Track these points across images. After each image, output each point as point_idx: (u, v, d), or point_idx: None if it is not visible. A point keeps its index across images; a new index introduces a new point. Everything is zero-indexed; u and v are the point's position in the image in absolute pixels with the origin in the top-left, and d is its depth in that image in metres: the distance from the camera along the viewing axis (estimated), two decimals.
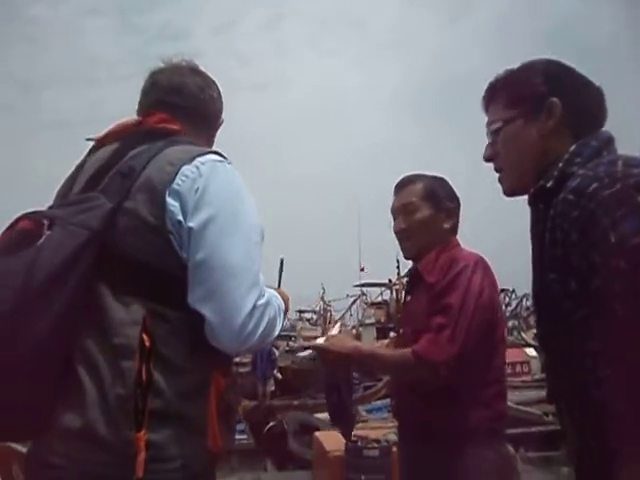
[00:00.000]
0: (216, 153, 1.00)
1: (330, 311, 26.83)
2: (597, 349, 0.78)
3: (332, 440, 3.66)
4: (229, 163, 1.00)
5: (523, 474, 3.86)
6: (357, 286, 22.79)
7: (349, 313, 28.93)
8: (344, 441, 3.31)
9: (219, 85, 1.18)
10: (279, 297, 1.05)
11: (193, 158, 0.95)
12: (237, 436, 5.64)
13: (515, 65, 1.00)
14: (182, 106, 1.09)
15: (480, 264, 1.42)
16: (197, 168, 0.93)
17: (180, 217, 0.90)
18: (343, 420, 1.73)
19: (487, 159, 1.01)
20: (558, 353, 0.87)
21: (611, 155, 0.86)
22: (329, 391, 1.65)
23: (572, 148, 0.89)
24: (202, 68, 1.16)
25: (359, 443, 3.28)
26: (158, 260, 0.90)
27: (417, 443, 1.44)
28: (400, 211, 1.55)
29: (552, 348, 0.90)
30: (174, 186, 0.91)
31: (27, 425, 0.92)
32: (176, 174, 0.92)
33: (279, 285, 1.25)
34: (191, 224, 0.90)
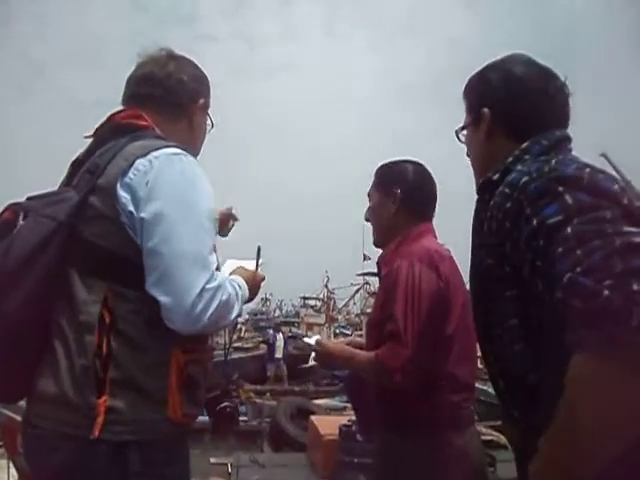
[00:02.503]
0: (175, 147, 1.04)
1: (334, 299, 26.98)
2: (514, 325, 0.86)
3: (327, 424, 3.78)
4: (185, 156, 1.03)
5: (514, 463, 3.91)
6: (360, 275, 22.82)
7: (352, 302, 29.08)
8: (338, 425, 3.38)
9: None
10: (242, 283, 1.11)
11: (148, 152, 1.01)
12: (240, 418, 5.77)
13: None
14: (152, 95, 1.14)
15: (424, 259, 1.38)
16: (150, 162, 1.00)
17: (131, 208, 0.98)
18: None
19: (468, 155, 1.10)
20: (488, 331, 0.94)
21: (560, 154, 0.91)
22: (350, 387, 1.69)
23: (523, 145, 0.94)
24: (183, 53, 1.18)
25: (353, 427, 3.33)
26: (117, 247, 0.99)
27: (386, 430, 1.48)
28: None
29: (483, 327, 0.97)
30: (126, 179, 0.99)
31: (10, 387, 1.06)
32: (129, 168, 0.99)
33: (257, 269, 1.28)
34: (143, 214, 0.97)
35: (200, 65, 1.23)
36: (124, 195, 0.98)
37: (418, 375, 1.34)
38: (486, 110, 1.00)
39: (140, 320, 0.99)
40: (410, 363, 1.32)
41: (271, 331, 14.25)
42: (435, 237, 1.54)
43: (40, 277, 0.98)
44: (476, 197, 1.02)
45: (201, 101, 1.19)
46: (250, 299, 1.18)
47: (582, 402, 0.68)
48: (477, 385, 5.55)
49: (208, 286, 0.98)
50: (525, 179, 0.84)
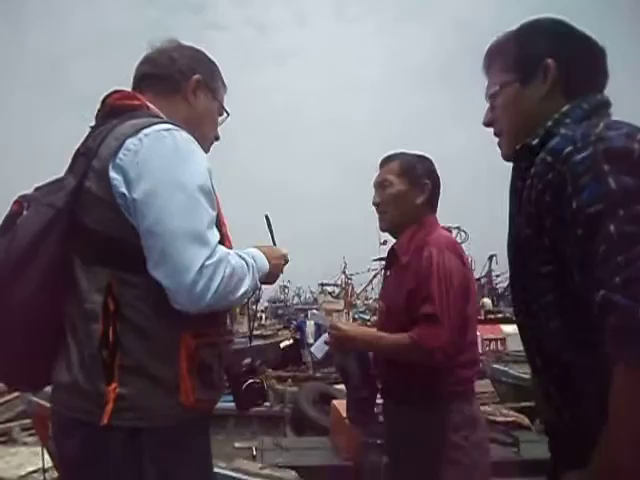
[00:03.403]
0: (167, 122, 1.03)
1: (352, 284, 26.97)
2: (551, 302, 0.83)
3: None
4: (177, 130, 1.01)
5: (538, 444, 3.91)
6: (376, 260, 22.74)
7: (370, 286, 29.02)
8: None
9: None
10: (256, 255, 1.09)
11: (138, 131, 0.99)
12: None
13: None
14: (146, 74, 1.15)
15: (449, 247, 1.55)
16: (140, 140, 0.98)
17: (123, 189, 0.96)
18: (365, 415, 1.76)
19: (486, 124, 1.01)
20: (525, 307, 0.90)
21: (600, 119, 0.84)
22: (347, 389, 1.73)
23: (564, 109, 0.88)
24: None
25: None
26: (115, 231, 0.98)
27: (391, 402, 1.64)
28: (377, 186, 1.69)
29: (521, 303, 0.93)
30: (117, 160, 0.98)
31: (31, 376, 1.10)
32: (119, 148, 0.98)
33: (273, 242, 1.27)
34: (135, 195, 0.95)
35: (210, 53, 1.23)
36: (116, 177, 0.97)
37: (454, 354, 1.48)
38: (551, 61, 0.90)
39: (145, 306, 0.98)
40: (448, 343, 1.45)
41: (302, 317, 14.29)
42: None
43: (45, 266, 0.98)
44: (512, 165, 0.96)
45: (195, 76, 1.15)
46: (273, 275, 1.16)
47: (628, 415, 0.67)
48: (497, 366, 5.54)
49: (208, 262, 0.95)
50: (569, 149, 0.78)
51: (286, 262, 1.24)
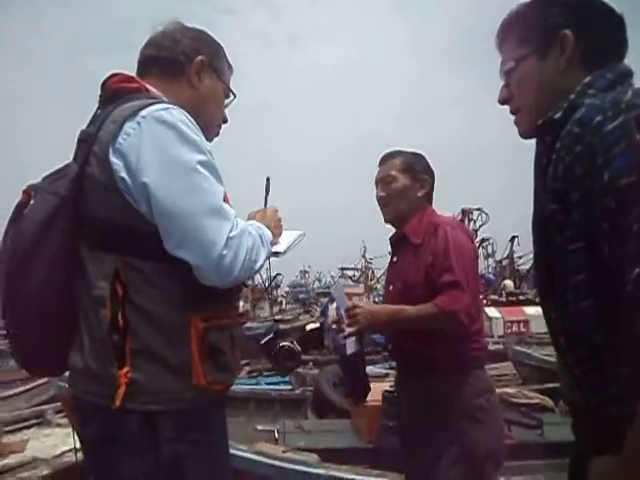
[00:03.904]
0: (164, 102, 1.02)
1: (372, 268, 26.95)
2: (581, 281, 0.79)
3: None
4: (174, 109, 1.00)
5: (562, 426, 3.87)
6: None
7: None
8: (381, 391, 3.40)
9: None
10: (261, 226, 1.10)
11: (135, 113, 0.98)
12: (281, 386, 5.95)
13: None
14: (149, 56, 1.14)
15: (459, 226, 1.83)
16: (138, 124, 0.97)
17: (124, 174, 0.96)
18: (362, 390, 1.84)
19: (502, 102, 0.97)
20: (551, 286, 0.87)
21: (625, 87, 0.81)
22: (352, 363, 1.77)
23: (586, 80, 0.85)
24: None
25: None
26: (120, 216, 0.98)
27: (411, 376, 1.74)
28: (381, 182, 1.85)
29: (546, 281, 0.89)
30: (117, 145, 0.97)
31: (49, 362, 1.11)
32: (118, 131, 0.97)
33: (265, 204, 1.27)
34: (145, 179, 0.95)
35: (222, 38, 1.21)
36: (116, 162, 0.97)
37: (475, 318, 1.64)
38: (568, 32, 0.87)
39: (154, 290, 0.98)
40: (471, 307, 1.61)
41: (326, 301, 14.36)
42: None
43: (53, 254, 0.99)
44: (535, 140, 0.92)
45: (199, 58, 1.13)
46: (276, 237, 1.17)
47: None
48: (520, 348, 5.49)
49: (232, 234, 0.97)
50: (599, 118, 0.74)
51: (278, 211, 1.25)
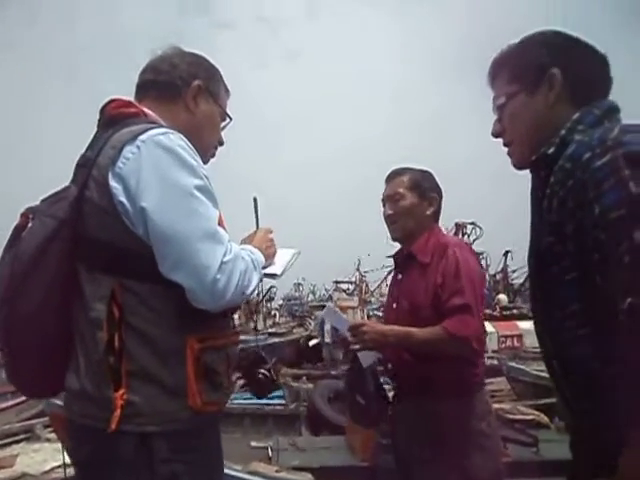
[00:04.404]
0: (163, 127, 1.04)
1: (366, 282, 26.95)
2: (577, 311, 0.83)
3: None
4: (173, 134, 1.02)
5: (558, 444, 3.86)
6: (390, 257, 22.71)
7: (385, 284, 28.96)
8: None
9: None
10: (254, 250, 1.11)
11: (134, 138, 1.00)
12: (274, 401, 5.90)
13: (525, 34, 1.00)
14: (147, 80, 1.16)
15: (466, 247, 1.80)
16: (138, 148, 0.99)
17: (123, 198, 0.98)
18: (379, 407, 1.78)
19: (495, 135, 1.03)
20: (547, 314, 0.90)
21: (612, 124, 0.85)
22: (352, 390, 1.78)
23: (575, 116, 0.89)
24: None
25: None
26: (117, 239, 0.99)
27: (412, 397, 1.69)
28: (388, 199, 1.82)
29: (542, 309, 0.93)
30: (116, 169, 0.99)
31: (44, 384, 1.11)
32: (118, 156, 0.99)
33: (257, 225, 1.29)
34: (143, 204, 0.96)
35: (220, 53, 1.25)
36: (115, 185, 0.98)
37: (484, 342, 1.66)
38: (556, 71, 0.93)
39: (150, 312, 0.99)
40: (479, 331, 1.61)
41: (321, 314, 14.32)
42: None
43: (51, 276, 1.00)
44: (530, 175, 0.97)
45: (196, 82, 1.15)
46: (269, 260, 1.18)
47: None
48: (514, 364, 5.47)
49: (225, 259, 0.98)
50: (588, 155, 0.78)
51: (271, 232, 1.26)
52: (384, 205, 1.85)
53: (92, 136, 1.12)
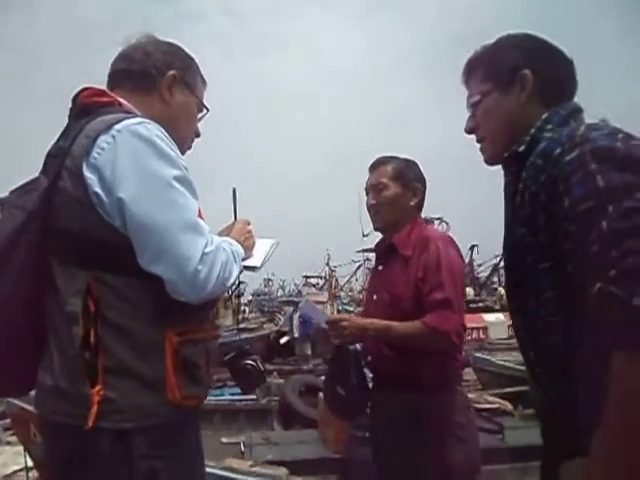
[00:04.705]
0: (139, 117, 1.02)
1: (335, 276, 27.07)
2: (550, 298, 0.87)
3: None
4: (149, 123, 1.00)
5: (522, 430, 4.00)
6: (359, 252, 22.99)
7: (354, 278, 29.21)
8: None
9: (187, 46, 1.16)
10: (232, 242, 1.11)
11: (109, 127, 0.97)
12: (245, 397, 5.87)
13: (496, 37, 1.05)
14: (120, 69, 1.13)
15: (450, 241, 1.72)
16: (113, 137, 0.97)
17: (98, 189, 0.95)
18: (354, 408, 1.79)
19: (468, 131, 1.07)
20: (521, 303, 0.94)
21: (577, 123, 0.91)
22: (333, 381, 1.75)
23: (544, 116, 0.95)
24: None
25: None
26: (93, 230, 0.96)
27: (393, 391, 1.67)
28: (372, 189, 1.79)
29: (516, 298, 0.97)
30: (91, 159, 0.96)
31: (15, 381, 1.08)
32: (92, 146, 0.97)
33: (235, 216, 1.28)
34: (120, 194, 0.94)
35: (186, 45, 1.20)
36: (90, 176, 0.96)
37: (463, 336, 1.64)
38: (527, 72, 0.97)
39: (127, 306, 0.97)
40: (459, 325, 1.60)
41: (290, 310, 14.29)
42: None
43: (19, 270, 0.97)
44: (502, 171, 1.01)
45: (171, 72, 1.13)
46: (248, 252, 1.18)
47: (626, 402, 0.69)
48: (480, 354, 5.62)
49: (207, 250, 0.97)
50: (558, 151, 0.82)
51: (249, 224, 1.26)
52: (367, 194, 1.82)
53: (65, 125, 1.08)
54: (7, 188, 1.04)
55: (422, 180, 1.81)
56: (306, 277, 28.08)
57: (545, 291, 0.87)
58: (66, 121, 1.10)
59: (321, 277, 27.56)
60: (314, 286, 25.47)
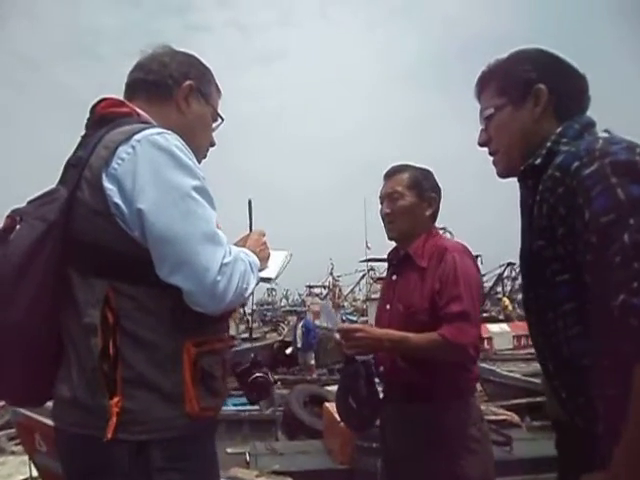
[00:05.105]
0: (158, 127, 1.02)
1: (339, 286, 27.04)
2: (569, 310, 0.87)
3: None
4: (169, 134, 1.00)
5: (530, 442, 3.96)
6: (363, 261, 22.98)
7: (358, 288, 29.15)
8: None
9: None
10: (249, 253, 1.10)
11: (129, 138, 0.98)
12: (249, 407, 5.84)
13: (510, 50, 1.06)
14: (137, 79, 1.14)
15: (466, 252, 1.69)
16: (133, 148, 0.97)
17: (118, 200, 0.95)
18: (365, 420, 1.75)
19: (481, 144, 1.08)
20: (540, 315, 0.94)
21: (592, 136, 0.92)
22: (345, 393, 1.72)
23: (559, 130, 0.96)
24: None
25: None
26: (112, 241, 0.96)
27: (405, 402, 1.65)
28: (387, 197, 1.76)
29: (535, 311, 0.97)
30: (111, 170, 0.96)
31: (32, 393, 1.07)
32: (112, 157, 0.97)
33: (250, 228, 1.27)
34: (140, 205, 0.94)
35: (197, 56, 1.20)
36: (110, 187, 0.96)
37: (480, 348, 1.62)
38: (542, 86, 0.98)
39: (145, 316, 0.97)
40: (477, 338, 1.60)
41: (294, 320, 14.25)
42: None
43: (39, 281, 0.96)
44: (518, 184, 1.01)
45: (187, 82, 1.13)
46: (264, 263, 1.18)
47: None
48: (485, 365, 5.57)
49: (225, 261, 0.96)
50: (576, 164, 0.83)
51: (264, 235, 1.25)
52: (382, 202, 1.79)
53: (82, 135, 1.09)
54: (6, 192, 1.05)
55: (437, 190, 1.78)
56: (310, 287, 28.06)
57: (564, 303, 0.87)
58: (68, 129, 1.10)
59: (325, 287, 27.52)
60: (317, 295, 25.44)
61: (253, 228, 1.29)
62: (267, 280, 1.21)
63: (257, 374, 1.24)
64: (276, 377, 8.49)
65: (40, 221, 0.97)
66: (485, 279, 19.48)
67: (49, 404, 1.08)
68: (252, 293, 1.11)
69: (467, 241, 1.76)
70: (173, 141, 0.99)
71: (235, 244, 1.17)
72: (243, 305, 1.20)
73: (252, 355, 1.29)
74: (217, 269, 0.95)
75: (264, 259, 1.20)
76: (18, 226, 1.00)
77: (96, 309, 0.95)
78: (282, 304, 30.20)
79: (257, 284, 1.10)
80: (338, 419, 3.67)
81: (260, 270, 1.15)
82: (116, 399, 0.93)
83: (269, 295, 30.70)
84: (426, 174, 1.78)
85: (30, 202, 1.03)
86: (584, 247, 0.80)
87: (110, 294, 0.96)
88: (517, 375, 6.84)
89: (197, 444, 1.02)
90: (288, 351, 10.35)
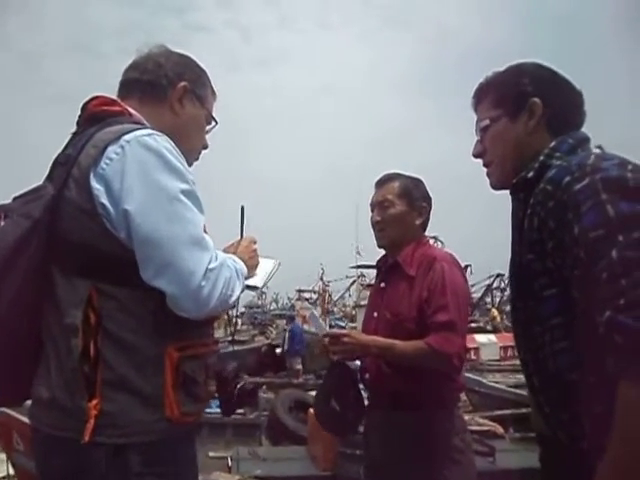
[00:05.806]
0: (148, 128, 1.01)
1: (329, 291, 27.04)
2: (556, 325, 0.87)
3: None
4: (159, 135, 0.99)
5: (513, 454, 3.96)
6: (353, 267, 23.03)
7: (348, 294, 29.17)
8: None
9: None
10: (236, 260, 1.09)
11: (118, 138, 0.97)
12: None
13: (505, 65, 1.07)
14: (131, 79, 1.12)
15: (454, 262, 1.70)
16: (122, 148, 0.96)
17: (104, 200, 0.94)
18: (348, 424, 1.76)
19: (476, 155, 1.08)
20: (526, 328, 0.94)
21: (586, 152, 0.93)
22: (328, 396, 1.71)
23: (552, 144, 0.96)
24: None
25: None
26: (97, 241, 0.95)
27: (390, 409, 1.65)
28: (377, 205, 1.78)
29: (523, 324, 0.97)
30: (99, 170, 0.95)
31: (9, 392, 1.05)
32: (100, 156, 0.96)
33: (242, 234, 1.26)
34: (126, 206, 0.93)
35: (195, 57, 1.19)
36: (97, 187, 0.94)
37: (465, 358, 1.63)
38: (537, 100, 0.98)
39: (128, 318, 0.95)
40: (462, 348, 1.60)
41: (283, 323, 14.24)
42: None
43: (22, 279, 0.95)
44: (510, 197, 1.02)
45: (182, 83, 1.12)
46: (252, 270, 1.17)
47: (633, 431, 0.70)
48: (471, 376, 5.59)
49: (211, 266, 0.96)
50: (568, 179, 0.83)
51: (255, 242, 1.24)
52: (372, 210, 1.80)
53: (72, 132, 1.08)
54: (4, 190, 1.04)
55: (428, 199, 1.80)
56: (300, 291, 28.03)
57: (551, 317, 0.87)
58: (65, 126, 1.09)
59: (314, 291, 27.51)
60: (307, 300, 25.41)
61: (244, 235, 1.27)
62: (253, 288, 1.19)
63: (242, 383, 1.20)
64: (262, 380, 8.45)
65: (24, 218, 0.96)
66: (474, 289, 19.59)
67: (28, 402, 1.06)
68: (238, 299, 1.09)
69: (456, 250, 1.79)
70: (163, 143, 0.98)
71: (225, 250, 1.16)
72: (233, 307, 1.17)
73: (235, 365, 1.24)
74: (202, 274, 0.94)
75: (252, 267, 1.18)
76: (2, 222, 0.98)
77: (78, 309, 0.94)
78: (272, 307, 30.14)
79: (242, 291, 1.09)
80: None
81: (248, 278, 1.14)
82: (95, 401, 0.92)
83: (259, 298, 30.63)
84: (417, 183, 1.79)
85: (15, 199, 1.02)
86: (572, 262, 0.80)
87: (93, 294, 0.94)
88: (502, 386, 6.88)
89: (176, 448, 1.00)
90: (278, 350, 10.34)
